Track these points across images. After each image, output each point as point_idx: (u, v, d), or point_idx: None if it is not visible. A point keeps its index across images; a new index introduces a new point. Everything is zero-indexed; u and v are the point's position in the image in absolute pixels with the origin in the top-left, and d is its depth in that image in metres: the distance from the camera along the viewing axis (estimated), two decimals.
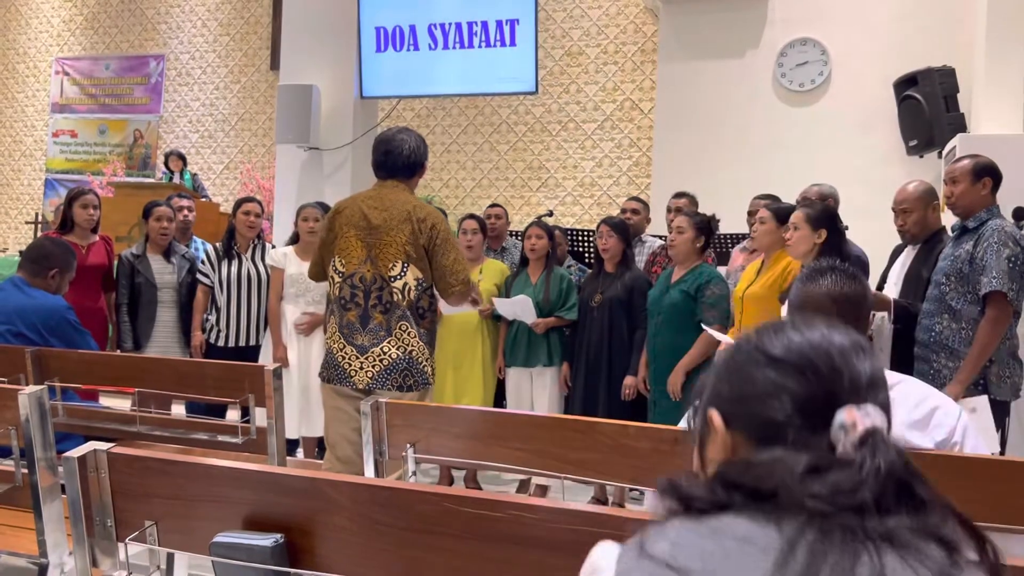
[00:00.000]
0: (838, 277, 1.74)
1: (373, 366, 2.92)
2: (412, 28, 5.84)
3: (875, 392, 0.85)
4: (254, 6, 10.07)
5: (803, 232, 3.29)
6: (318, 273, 3.16)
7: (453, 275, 3.00)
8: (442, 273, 3.00)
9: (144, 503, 1.32)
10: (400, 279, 2.93)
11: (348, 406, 2.98)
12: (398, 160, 3.04)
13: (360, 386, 2.93)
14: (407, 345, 2.93)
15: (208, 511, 1.28)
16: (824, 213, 3.32)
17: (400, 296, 2.93)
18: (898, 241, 3.84)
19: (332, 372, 3.00)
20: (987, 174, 3.17)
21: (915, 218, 3.47)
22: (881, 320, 3.51)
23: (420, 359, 2.96)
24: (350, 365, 2.95)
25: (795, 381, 0.84)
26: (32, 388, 1.99)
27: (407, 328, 2.94)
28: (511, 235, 5.35)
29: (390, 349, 2.92)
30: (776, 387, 0.85)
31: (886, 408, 0.85)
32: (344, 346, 2.96)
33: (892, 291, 3.57)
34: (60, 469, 1.70)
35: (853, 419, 0.80)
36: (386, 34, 5.90)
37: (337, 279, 3.02)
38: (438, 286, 3.05)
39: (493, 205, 5.37)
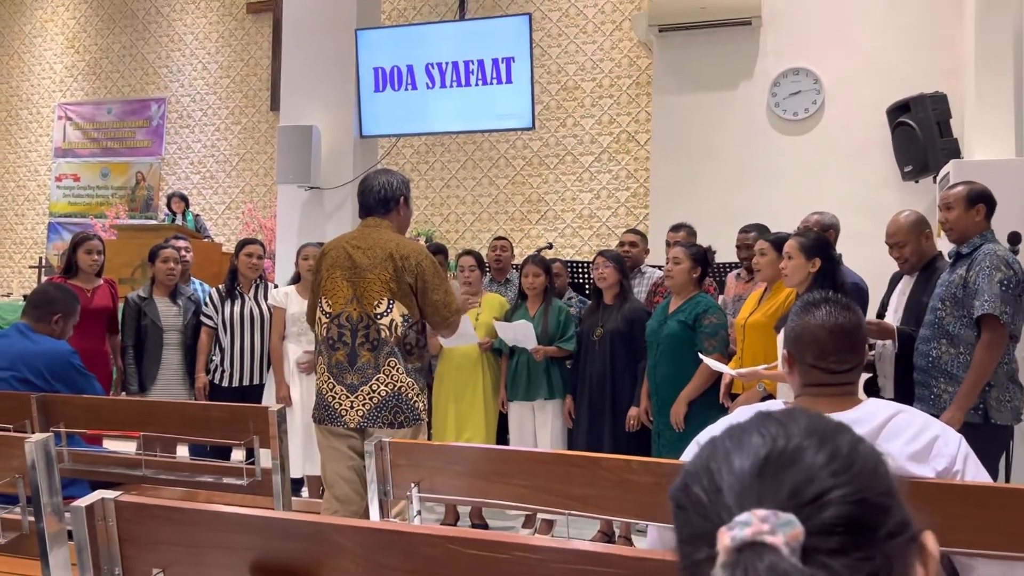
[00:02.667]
0: (832, 308, 1.75)
1: (363, 404, 2.94)
2: (410, 68, 5.92)
3: (770, 488, 0.61)
4: (253, 48, 10.22)
5: (797, 261, 3.32)
6: (312, 318, 3.18)
7: (446, 308, 3.05)
8: (435, 309, 3.03)
9: (151, 551, 1.33)
10: (386, 316, 2.96)
11: (342, 445, 2.99)
12: (371, 197, 3.12)
13: (351, 425, 2.95)
14: (396, 382, 2.95)
15: (215, 558, 1.29)
16: (817, 242, 3.35)
17: (387, 332, 2.96)
18: (894, 267, 3.87)
19: (323, 413, 3.02)
20: (981, 200, 3.20)
21: (911, 249, 3.52)
22: (883, 348, 3.52)
23: (409, 395, 2.98)
24: (340, 404, 2.97)
25: (683, 499, 0.66)
26: (38, 436, 2.01)
27: (395, 364, 2.96)
28: (513, 267, 5.38)
29: (379, 387, 2.94)
30: (675, 505, 0.67)
31: (809, 501, 0.60)
32: (334, 386, 2.99)
33: (892, 318, 3.59)
34: (66, 515, 1.71)
35: (723, 544, 0.59)
36: (384, 74, 5.98)
37: (324, 320, 3.04)
38: (431, 321, 3.08)
39: (499, 238, 5.41)
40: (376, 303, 2.96)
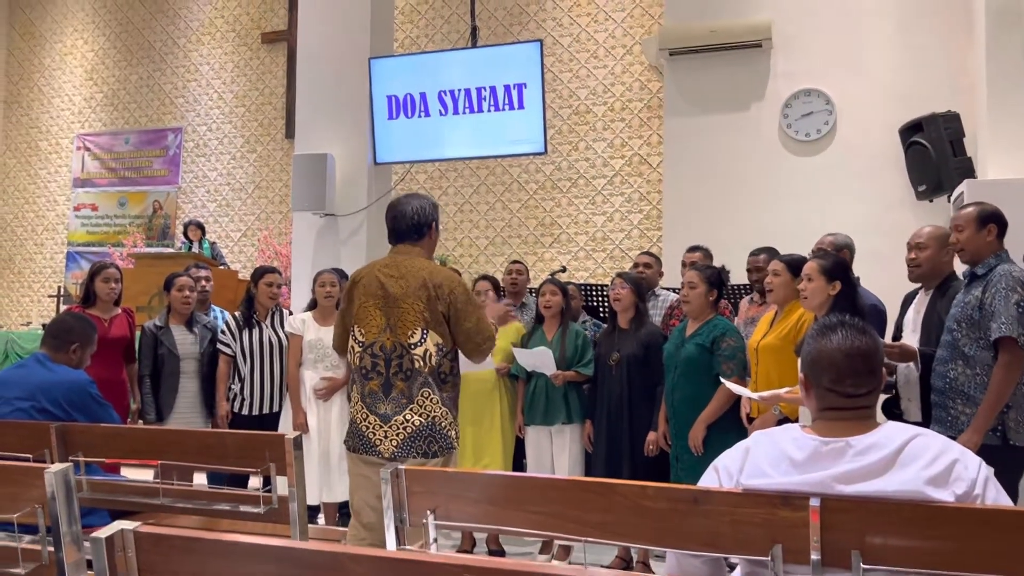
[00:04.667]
0: (848, 332, 1.74)
1: (397, 435, 2.92)
2: (423, 95, 5.98)
3: None
4: (268, 78, 10.35)
5: (817, 284, 3.30)
6: (342, 345, 3.17)
7: (479, 335, 3.01)
8: (468, 336, 3.00)
9: None
10: (420, 346, 2.94)
11: (373, 473, 2.96)
12: (402, 223, 3.09)
13: (386, 455, 2.93)
14: (430, 412, 2.94)
15: None
16: (837, 264, 3.33)
17: (422, 363, 2.94)
18: (910, 287, 3.85)
19: (357, 442, 3.00)
20: (992, 221, 3.19)
21: (928, 255, 3.49)
22: (907, 370, 3.49)
23: (443, 424, 2.96)
24: (374, 434, 2.95)
25: None
26: (58, 466, 2.02)
27: (429, 394, 2.94)
28: (529, 292, 5.38)
29: (413, 417, 2.92)
30: None
31: None
32: (367, 415, 2.97)
33: (910, 339, 3.57)
34: (85, 544, 1.72)
35: None
36: (397, 102, 6.04)
37: (357, 348, 3.02)
38: (464, 348, 3.04)
39: (514, 262, 5.41)
40: (410, 333, 2.94)
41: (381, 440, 2.94)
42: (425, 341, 2.95)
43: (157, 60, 10.93)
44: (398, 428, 2.93)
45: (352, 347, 3.06)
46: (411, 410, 2.92)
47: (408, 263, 3.03)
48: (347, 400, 4.43)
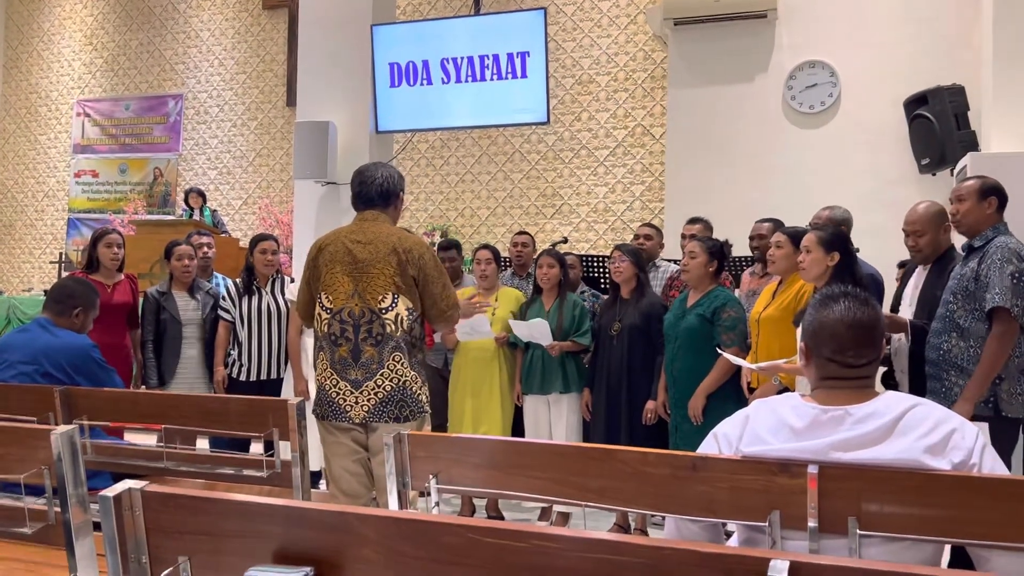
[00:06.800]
0: (851, 303, 1.75)
1: (368, 400, 2.94)
2: (425, 63, 5.94)
3: None
4: (269, 45, 10.27)
5: (815, 255, 3.31)
6: (307, 313, 3.15)
7: (444, 301, 3.06)
8: (434, 301, 3.04)
9: (177, 539, 1.36)
10: (392, 310, 2.96)
11: (347, 439, 2.99)
12: (372, 189, 3.10)
13: (357, 420, 2.95)
14: (401, 376, 2.96)
15: (239, 546, 1.31)
16: (836, 236, 3.34)
17: (393, 327, 2.95)
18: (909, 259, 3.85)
19: (327, 409, 3.00)
20: (993, 194, 3.20)
21: (927, 239, 3.50)
22: (899, 342, 3.51)
23: (414, 388, 2.99)
24: (345, 400, 2.96)
25: None
26: (64, 428, 2.03)
27: (400, 359, 2.96)
28: (534, 262, 5.38)
29: (384, 382, 2.94)
30: None
31: None
32: (338, 382, 2.97)
33: (906, 312, 3.59)
34: (92, 506, 1.74)
35: None
36: (400, 69, 6.00)
37: (325, 315, 3.01)
38: (430, 313, 3.08)
39: (521, 232, 5.41)
40: (380, 298, 2.96)
41: (352, 405, 2.95)
42: (396, 306, 2.97)
43: (157, 25, 10.84)
44: (369, 393, 2.94)
45: (319, 314, 3.04)
46: (382, 375, 2.94)
47: (375, 229, 3.04)
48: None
